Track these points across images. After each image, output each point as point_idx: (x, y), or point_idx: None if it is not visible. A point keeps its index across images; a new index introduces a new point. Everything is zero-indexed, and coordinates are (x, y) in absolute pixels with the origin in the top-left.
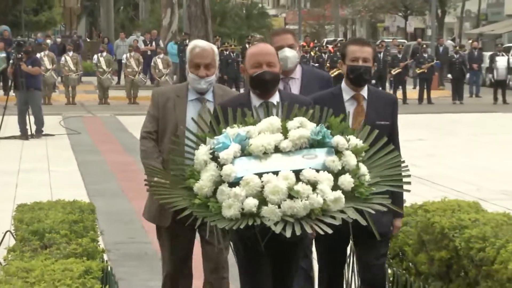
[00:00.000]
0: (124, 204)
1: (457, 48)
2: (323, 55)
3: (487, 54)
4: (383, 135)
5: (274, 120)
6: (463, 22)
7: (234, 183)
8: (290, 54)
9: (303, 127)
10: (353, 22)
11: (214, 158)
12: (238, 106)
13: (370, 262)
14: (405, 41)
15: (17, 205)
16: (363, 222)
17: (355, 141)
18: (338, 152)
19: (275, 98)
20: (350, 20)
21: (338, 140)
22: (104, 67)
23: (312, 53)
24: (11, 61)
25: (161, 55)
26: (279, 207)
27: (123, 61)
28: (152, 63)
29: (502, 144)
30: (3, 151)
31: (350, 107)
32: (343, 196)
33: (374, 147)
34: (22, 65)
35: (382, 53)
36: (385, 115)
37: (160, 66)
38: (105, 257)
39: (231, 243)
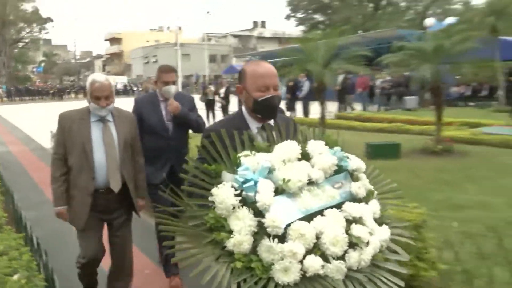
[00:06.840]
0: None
1: None
2: None
3: None
4: None
5: (293, 145)
6: None
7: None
8: (174, 90)
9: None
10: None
11: (242, 199)
12: (235, 130)
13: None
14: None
15: None
16: (406, 258)
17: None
18: (353, 176)
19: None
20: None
21: (358, 163)
22: None
23: None
24: None
25: None
26: (344, 260)
27: None
28: None
29: None
30: None
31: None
32: (389, 231)
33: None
34: None
35: None
36: None
37: None
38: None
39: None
